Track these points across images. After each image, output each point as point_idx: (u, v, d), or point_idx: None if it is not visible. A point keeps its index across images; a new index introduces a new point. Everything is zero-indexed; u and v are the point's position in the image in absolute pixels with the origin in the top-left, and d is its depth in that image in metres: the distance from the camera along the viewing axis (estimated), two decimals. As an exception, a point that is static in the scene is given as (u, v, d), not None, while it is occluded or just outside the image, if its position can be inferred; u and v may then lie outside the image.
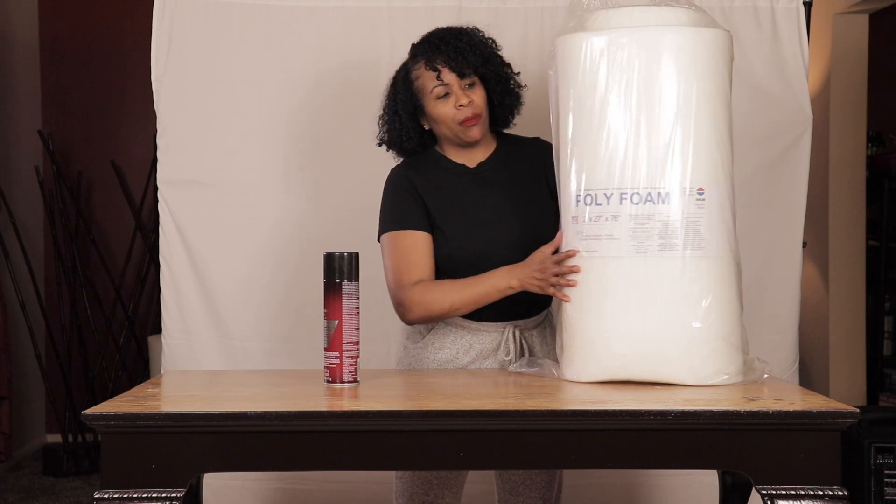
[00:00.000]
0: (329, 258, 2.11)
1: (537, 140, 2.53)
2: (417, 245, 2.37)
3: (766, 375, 2.11)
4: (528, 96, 2.54)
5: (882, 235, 4.98)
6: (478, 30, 2.46)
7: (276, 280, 3.17)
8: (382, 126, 2.49)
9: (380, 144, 2.53)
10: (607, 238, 2.07)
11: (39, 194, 5.14)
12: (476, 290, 2.30)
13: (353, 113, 3.07)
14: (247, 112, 3.14)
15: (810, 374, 4.69)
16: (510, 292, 2.29)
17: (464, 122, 2.37)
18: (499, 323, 2.41)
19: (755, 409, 1.81)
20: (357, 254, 2.12)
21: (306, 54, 3.14)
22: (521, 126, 2.57)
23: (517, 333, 2.41)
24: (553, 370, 2.20)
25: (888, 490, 3.63)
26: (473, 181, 2.44)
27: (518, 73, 2.50)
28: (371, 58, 3.11)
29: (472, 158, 2.46)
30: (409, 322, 2.37)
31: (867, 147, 4.88)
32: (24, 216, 5.10)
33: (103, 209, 5.35)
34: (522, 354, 2.40)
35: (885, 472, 3.63)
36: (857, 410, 1.83)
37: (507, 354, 2.40)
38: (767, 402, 1.86)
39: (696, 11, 2.14)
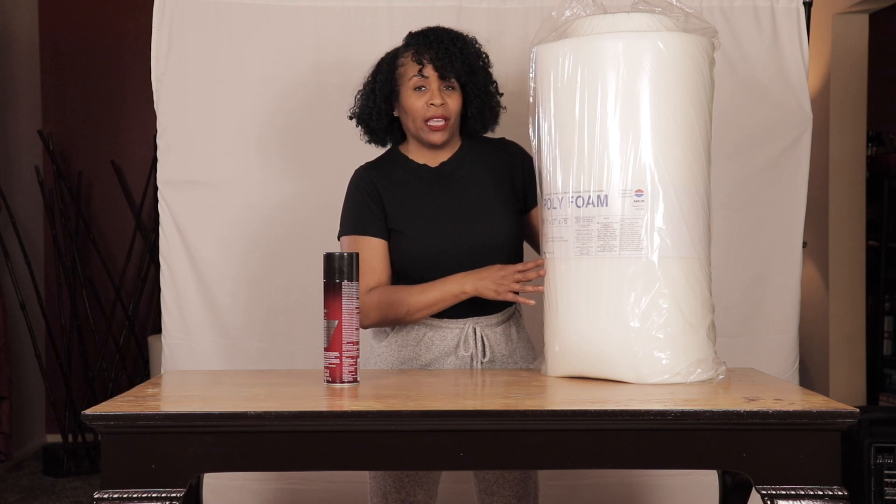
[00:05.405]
0: (329, 258, 2.11)
1: (503, 140, 2.56)
2: (374, 251, 2.41)
3: (721, 377, 2.12)
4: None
5: (882, 235, 4.98)
6: (476, 41, 2.49)
7: (276, 280, 3.17)
8: (357, 100, 2.53)
9: (350, 118, 2.55)
10: (560, 240, 2.16)
11: (39, 194, 5.14)
12: (430, 295, 2.36)
13: (353, 113, 3.07)
14: (247, 112, 3.15)
15: (810, 374, 4.69)
16: (464, 297, 2.35)
17: (429, 121, 2.39)
18: (459, 320, 2.43)
19: (755, 409, 1.81)
20: (357, 254, 2.13)
21: (306, 54, 3.14)
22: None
23: (477, 330, 2.43)
24: (541, 366, 2.28)
25: (888, 490, 3.63)
26: (434, 181, 2.47)
27: (502, 95, 2.52)
28: (371, 58, 3.08)
29: (434, 158, 2.49)
30: (365, 326, 2.40)
31: (867, 147, 4.88)
32: (24, 216, 5.09)
33: (103, 209, 5.35)
34: (484, 352, 2.43)
35: (885, 472, 3.63)
36: (857, 410, 1.83)
37: (468, 351, 2.42)
38: (767, 402, 1.86)
39: (675, 16, 2.15)
